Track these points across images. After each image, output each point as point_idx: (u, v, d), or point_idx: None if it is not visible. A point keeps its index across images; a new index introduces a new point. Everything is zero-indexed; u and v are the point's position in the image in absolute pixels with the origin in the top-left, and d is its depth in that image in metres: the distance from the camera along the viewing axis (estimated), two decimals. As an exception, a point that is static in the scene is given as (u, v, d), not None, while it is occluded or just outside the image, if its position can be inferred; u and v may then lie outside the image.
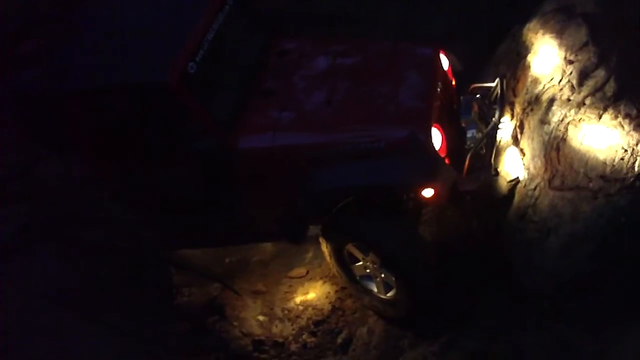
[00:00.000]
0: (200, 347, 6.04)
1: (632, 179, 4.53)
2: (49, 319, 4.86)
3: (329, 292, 6.55)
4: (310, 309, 6.48)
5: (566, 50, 5.42)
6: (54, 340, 4.76)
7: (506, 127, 5.99)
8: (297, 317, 6.45)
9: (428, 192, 5.27)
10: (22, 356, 4.62)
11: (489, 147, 5.74)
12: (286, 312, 6.53)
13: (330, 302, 6.46)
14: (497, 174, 5.75)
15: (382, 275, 5.67)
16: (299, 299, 6.62)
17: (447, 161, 5.45)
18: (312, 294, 6.62)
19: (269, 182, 5.58)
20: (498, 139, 5.91)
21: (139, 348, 5.27)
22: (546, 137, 5.27)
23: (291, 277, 6.87)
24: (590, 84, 5.05)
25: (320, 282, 6.70)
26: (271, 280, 6.89)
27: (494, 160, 5.76)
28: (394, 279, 5.56)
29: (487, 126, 5.82)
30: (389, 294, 5.75)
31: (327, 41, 6.45)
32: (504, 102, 5.94)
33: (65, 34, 5.93)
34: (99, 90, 5.44)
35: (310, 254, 6.93)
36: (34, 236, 5.27)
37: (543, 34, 5.76)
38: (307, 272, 6.87)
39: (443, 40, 6.64)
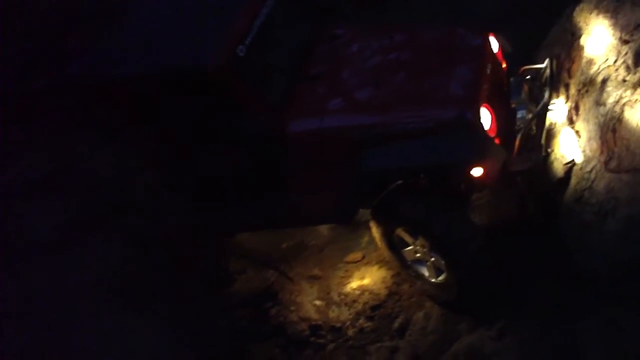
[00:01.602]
0: (258, 333, 6.12)
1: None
2: (99, 310, 4.93)
3: (385, 277, 6.55)
4: (366, 293, 6.49)
5: (621, 30, 5.30)
6: (105, 332, 4.83)
7: (557, 107, 5.94)
8: (354, 301, 6.47)
9: (477, 171, 5.28)
10: (72, 347, 4.70)
11: (539, 128, 5.71)
12: (342, 296, 6.56)
13: (386, 287, 6.46)
14: (547, 154, 5.74)
15: (432, 259, 5.68)
16: (355, 283, 6.64)
17: (497, 141, 5.43)
18: (368, 279, 6.62)
19: (319, 164, 5.63)
20: (550, 119, 5.88)
21: (194, 337, 5.34)
22: (602, 119, 5.18)
23: (347, 262, 6.89)
24: (646, 64, 4.95)
25: (376, 267, 6.70)
26: (327, 265, 6.92)
27: (545, 140, 5.72)
28: (443, 262, 5.57)
29: (537, 107, 5.78)
30: (439, 278, 5.76)
31: (376, 26, 6.52)
32: (554, 82, 5.89)
33: (109, 24, 6.07)
34: (148, 76, 5.55)
35: (366, 239, 6.92)
36: (83, 227, 5.34)
37: (597, 14, 5.65)
38: (363, 257, 6.87)
39: (494, 22, 6.58)
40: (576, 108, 5.64)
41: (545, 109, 5.74)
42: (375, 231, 5.94)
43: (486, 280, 5.53)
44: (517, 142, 5.57)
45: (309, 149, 5.59)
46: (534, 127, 5.75)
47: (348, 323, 6.32)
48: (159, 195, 5.87)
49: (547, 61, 5.98)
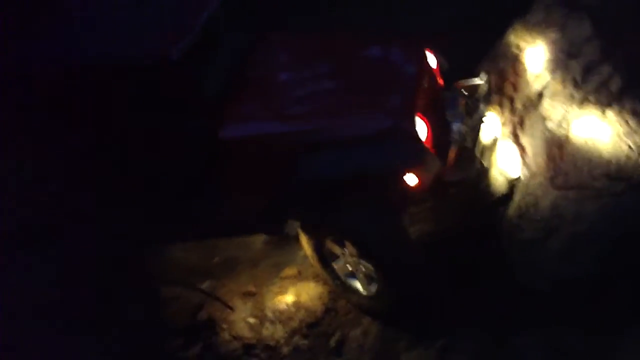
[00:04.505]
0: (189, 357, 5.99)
1: (638, 179, 4.46)
2: (28, 331, 4.76)
3: (322, 293, 6.41)
4: (302, 310, 6.34)
5: (569, 45, 5.34)
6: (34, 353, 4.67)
7: (492, 121, 6.02)
8: (289, 319, 6.30)
9: (411, 179, 5.28)
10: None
11: (474, 140, 5.80)
12: (277, 314, 6.38)
13: (323, 303, 6.33)
14: (482, 166, 5.82)
15: (363, 269, 5.65)
16: (290, 300, 6.47)
17: (431, 151, 5.44)
18: (304, 295, 6.47)
19: (249, 171, 5.57)
20: (487, 133, 5.96)
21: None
22: (548, 134, 5.19)
23: (282, 278, 6.72)
24: (594, 79, 4.97)
25: (312, 283, 6.55)
26: (261, 281, 6.74)
27: (480, 153, 5.81)
28: (372, 268, 5.53)
29: (472, 120, 5.87)
30: (372, 290, 5.72)
31: (315, 35, 6.51)
32: (489, 96, 6.00)
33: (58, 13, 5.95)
34: (88, 69, 5.42)
35: (301, 253, 6.75)
36: (10, 247, 5.17)
37: (545, 28, 5.67)
38: (299, 272, 6.71)
39: (441, 32, 6.55)
40: (521, 123, 5.64)
41: (479, 122, 5.83)
42: (307, 246, 5.89)
43: (417, 285, 5.55)
44: (451, 154, 5.64)
45: (240, 155, 5.52)
46: (469, 140, 5.83)
47: (283, 341, 6.15)
48: (91, 215, 5.71)
49: (483, 76, 6.08)
